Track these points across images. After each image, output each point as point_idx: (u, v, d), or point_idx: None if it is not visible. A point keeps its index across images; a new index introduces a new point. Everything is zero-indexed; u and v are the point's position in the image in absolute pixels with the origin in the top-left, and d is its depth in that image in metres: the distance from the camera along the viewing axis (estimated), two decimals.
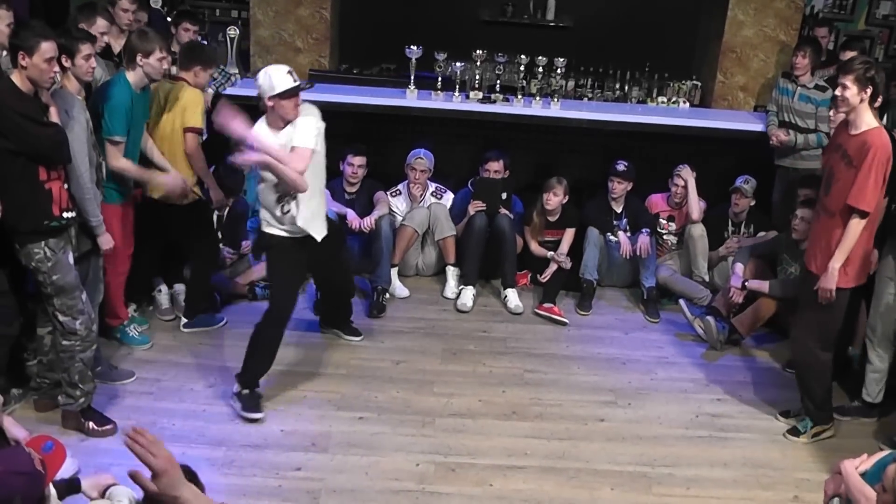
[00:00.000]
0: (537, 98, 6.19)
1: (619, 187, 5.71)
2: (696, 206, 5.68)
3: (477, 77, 6.19)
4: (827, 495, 2.80)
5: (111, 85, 4.24)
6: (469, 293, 5.54)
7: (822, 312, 3.99)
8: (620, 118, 6.13)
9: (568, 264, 5.67)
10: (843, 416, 4.47)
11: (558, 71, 6.23)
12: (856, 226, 3.79)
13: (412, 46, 6.01)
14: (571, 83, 7.20)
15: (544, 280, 5.69)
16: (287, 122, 3.98)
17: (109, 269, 4.33)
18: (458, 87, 6.15)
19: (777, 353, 5.13)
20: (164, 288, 5.14)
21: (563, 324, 5.38)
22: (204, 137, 5.66)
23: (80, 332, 3.77)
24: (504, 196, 5.71)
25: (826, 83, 5.62)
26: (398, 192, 5.90)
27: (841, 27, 7.85)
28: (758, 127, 6.07)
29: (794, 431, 4.27)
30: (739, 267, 5.15)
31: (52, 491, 2.77)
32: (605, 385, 4.70)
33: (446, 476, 3.83)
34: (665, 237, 5.93)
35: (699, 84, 7.16)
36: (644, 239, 5.56)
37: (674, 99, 6.77)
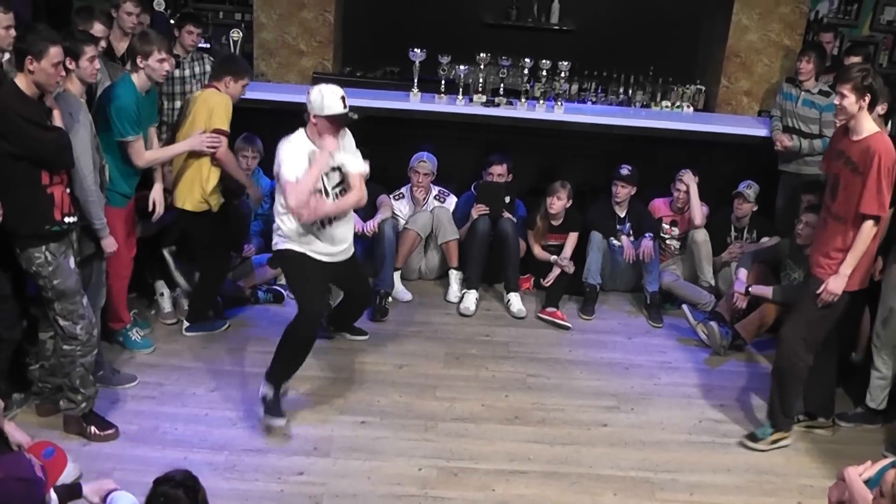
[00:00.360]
0: (541, 101, 6.17)
1: (622, 191, 5.70)
2: (698, 212, 5.67)
3: (480, 80, 6.18)
4: (831, 502, 2.79)
5: (116, 87, 4.25)
6: (472, 297, 5.54)
7: (817, 314, 3.98)
8: (624, 122, 6.12)
9: (571, 268, 5.66)
10: (847, 423, 4.46)
11: (562, 74, 6.23)
12: (868, 230, 3.79)
13: (416, 49, 6.01)
14: (575, 87, 7.18)
15: (547, 284, 5.68)
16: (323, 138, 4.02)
17: (112, 272, 4.33)
18: (461, 90, 6.14)
19: None
20: (166, 291, 5.13)
21: (566, 328, 5.37)
22: None
23: (81, 336, 3.76)
24: (507, 200, 5.71)
25: (830, 88, 5.60)
26: (401, 195, 5.89)
27: (845, 33, 7.82)
28: (761, 132, 6.06)
29: (751, 437, 4.24)
30: (743, 272, 5.14)
31: (53, 496, 2.77)
32: (608, 390, 4.69)
33: (448, 481, 3.82)
34: (668, 242, 5.92)
35: (703, 88, 7.13)
36: (647, 243, 5.54)
37: (678, 103, 6.75)
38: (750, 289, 5.06)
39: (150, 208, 4.75)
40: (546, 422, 4.35)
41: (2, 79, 3.66)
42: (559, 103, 6.13)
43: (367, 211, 5.62)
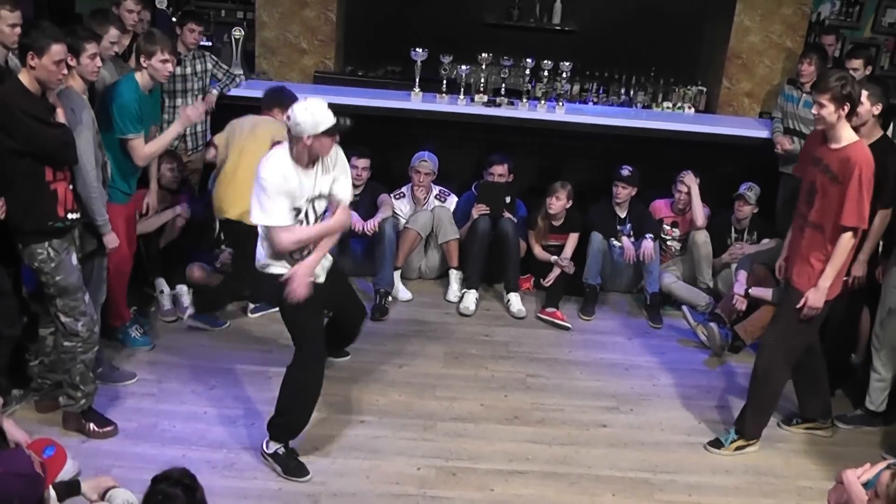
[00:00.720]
0: (542, 102, 6.18)
1: (623, 192, 5.69)
2: (699, 213, 5.67)
3: (482, 80, 6.19)
4: None
5: (119, 85, 4.25)
6: (472, 297, 5.54)
7: (795, 326, 3.93)
8: (625, 123, 6.13)
9: (571, 268, 5.66)
10: (846, 425, 4.46)
11: (563, 75, 6.23)
12: (847, 242, 3.73)
13: (417, 49, 6.01)
14: (576, 87, 7.20)
15: (547, 284, 5.68)
16: (314, 160, 3.57)
17: (112, 269, 4.33)
18: (462, 90, 6.14)
19: None
20: (166, 289, 5.14)
21: (566, 328, 5.37)
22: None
23: (82, 333, 3.76)
24: (508, 200, 5.71)
25: None
26: (402, 194, 5.89)
27: (847, 34, 7.82)
28: (762, 133, 6.06)
29: (715, 443, 4.22)
30: (742, 274, 5.14)
31: (52, 493, 2.77)
32: (608, 390, 4.69)
33: (447, 480, 3.82)
34: (668, 243, 5.92)
35: (704, 90, 7.14)
36: (648, 244, 5.54)
37: (679, 104, 6.76)
38: (750, 290, 5.06)
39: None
40: (545, 422, 4.35)
41: (8, 76, 3.67)
42: (560, 104, 6.13)
43: (367, 210, 5.63)
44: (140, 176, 4.58)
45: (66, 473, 3.07)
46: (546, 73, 6.23)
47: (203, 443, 3.95)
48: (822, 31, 6.72)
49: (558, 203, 5.65)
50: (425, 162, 5.73)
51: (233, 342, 4.89)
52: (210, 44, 6.99)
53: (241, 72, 6.18)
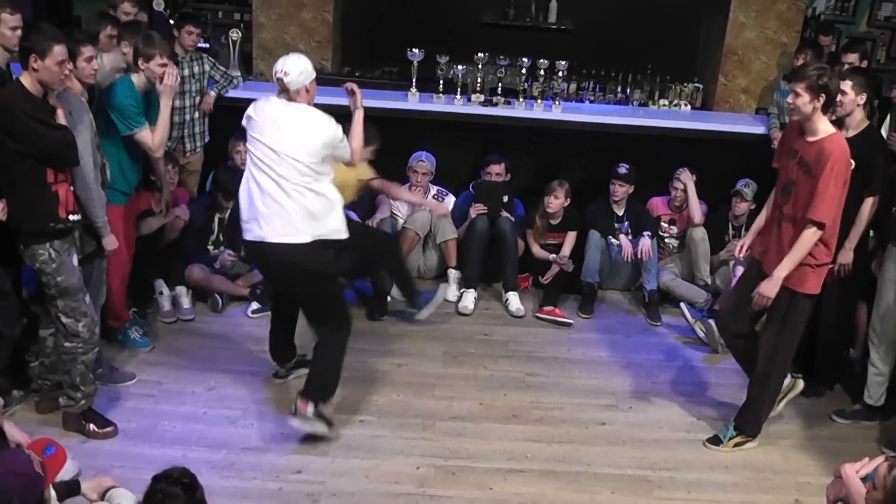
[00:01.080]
0: (539, 101, 6.18)
1: (620, 190, 5.71)
2: (696, 210, 5.68)
3: (478, 80, 6.19)
4: (829, 500, 2.80)
5: (115, 86, 4.27)
6: (470, 296, 5.54)
7: (784, 325, 3.89)
8: (622, 121, 6.13)
9: (570, 266, 5.67)
10: (845, 420, 4.47)
11: (560, 74, 6.24)
12: (810, 237, 3.67)
13: (414, 49, 6.01)
14: (573, 86, 7.20)
15: (545, 282, 5.69)
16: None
17: (112, 270, 4.34)
18: (459, 89, 6.15)
19: None
20: (165, 290, 5.14)
21: (568, 324, 5.38)
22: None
23: (83, 334, 3.77)
24: (505, 199, 5.72)
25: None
26: None
27: (843, 29, 7.84)
28: (759, 130, 6.07)
29: (714, 440, 4.22)
30: (740, 270, 5.14)
31: (52, 493, 2.78)
32: (606, 388, 4.70)
33: (446, 479, 3.83)
34: (666, 240, 5.92)
35: (701, 87, 7.15)
36: (645, 242, 5.55)
37: (675, 101, 6.77)
38: None
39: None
40: (544, 420, 4.36)
41: (7, 79, 3.69)
42: (557, 102, 6.14)
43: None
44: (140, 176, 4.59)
45: (66, 473, 3.08)
46: (542, 72, 6.23)
47: (203, 443, 3.96)
48: (819, 31, 6.72)
49: (556, 202, 5.66)
50: (423, 162, 5.74)
51: (233, 343, 4.90)
52: (207, 46, 6.99)
53: (239, 73, 6.18)
